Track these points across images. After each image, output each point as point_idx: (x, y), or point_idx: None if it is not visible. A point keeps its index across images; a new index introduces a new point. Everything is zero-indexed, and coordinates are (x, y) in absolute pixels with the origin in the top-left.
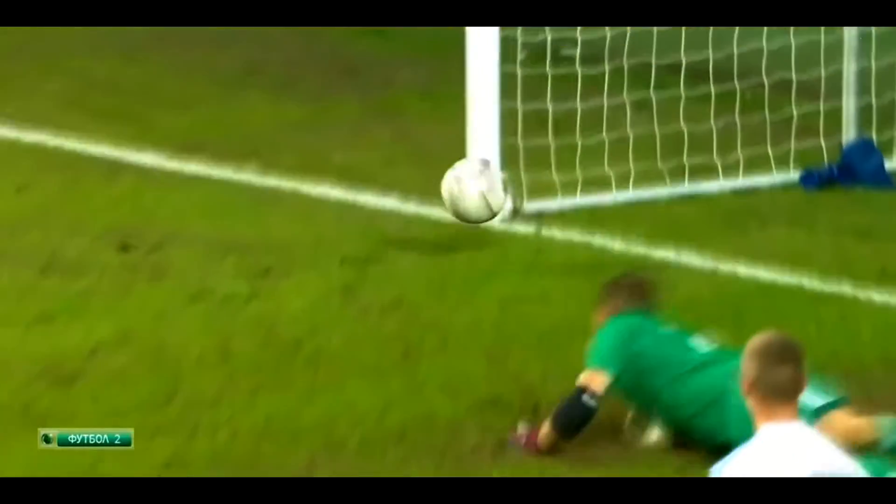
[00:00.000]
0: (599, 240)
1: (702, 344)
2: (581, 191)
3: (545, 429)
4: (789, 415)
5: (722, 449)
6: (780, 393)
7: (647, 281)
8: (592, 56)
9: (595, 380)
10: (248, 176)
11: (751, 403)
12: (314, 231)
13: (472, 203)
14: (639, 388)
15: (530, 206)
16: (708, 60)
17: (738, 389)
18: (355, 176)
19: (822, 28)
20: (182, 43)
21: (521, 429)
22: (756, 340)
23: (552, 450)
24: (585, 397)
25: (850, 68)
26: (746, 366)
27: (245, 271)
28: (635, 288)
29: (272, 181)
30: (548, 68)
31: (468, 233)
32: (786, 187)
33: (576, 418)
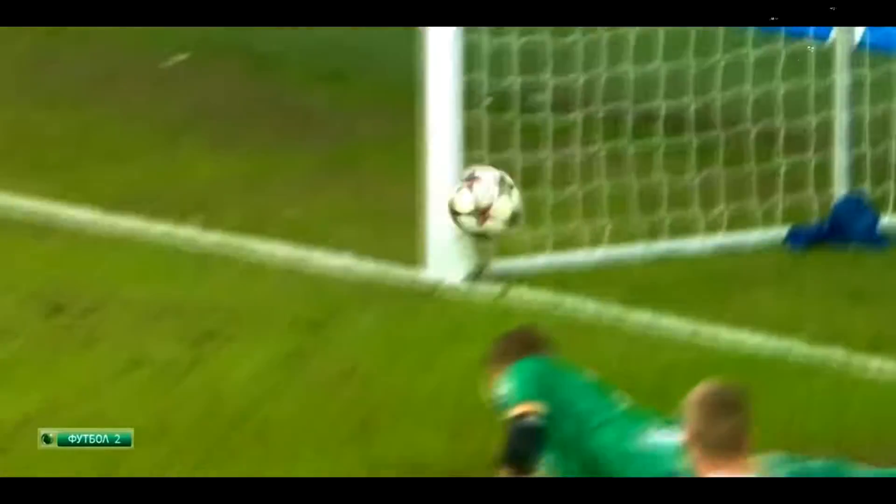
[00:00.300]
0: (570, 302)
1: (618, 399)
2: (550, 249)
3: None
4: (733, 469)
5: None
6: (724, 447)
7: (541, 334)
8: (563, 103)
9: (528, 407)
10: (190, 233)
11: (692, 457)
12: (261, 293)
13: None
14: (550, 436)
15: (495, 265)
16: (688, 108)
17: (643, 453)
18: (306, 233)
19: (812, 73)
20: (119, 88)
21: None
22: (698, 392)
23: None
24: (527, 420)
25: (841, 117)
26: (688, 418)
27: (186, 337)
28: (529, 340)
29: (216, 239)
30: (515, 116)
31: (428, 295)
32: (772, 246)
33: (525, 443)
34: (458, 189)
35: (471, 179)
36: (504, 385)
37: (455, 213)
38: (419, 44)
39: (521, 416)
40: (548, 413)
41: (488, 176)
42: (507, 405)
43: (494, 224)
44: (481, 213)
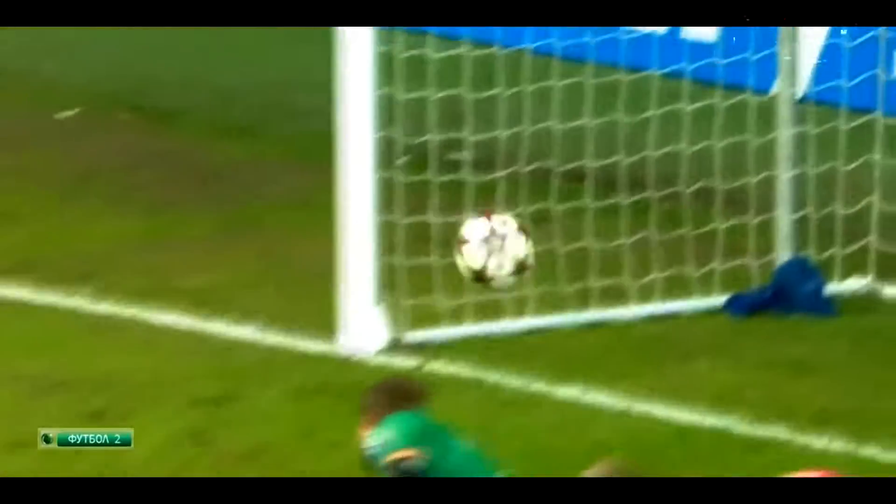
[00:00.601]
0: (493, 375)
1: (494, 465)
2: (473, 318)
3: None
4: None
5: None
6: None
7: (418, 386)
8: (485, 160)
9: (410, 452)
10: (82, 301)
11: None
12: (159, 365)
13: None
14: None
15: (412, 336)
16: (618, 166)
17: None
18: (209, 300)
19: (752, 128)
20: (6, 145)
21: None
22: (591, 471)
23: None
24: (409, 462)
25: (784, 175)
26: None
27: (76, 414)
28: (406, 392)
29: (110, 307)
30: (434, 174)
31: (339, 368)
32: (710, 314)
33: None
34: (483, 238)
35: (501, 240)
36: (381, 433)
37: (460, 251)
38: (331, 97)
39: (403, 458)
40: (427, 463)
41: (514, 249)
42: (386, 451)
43: (483, 284)
44: (484, 279)
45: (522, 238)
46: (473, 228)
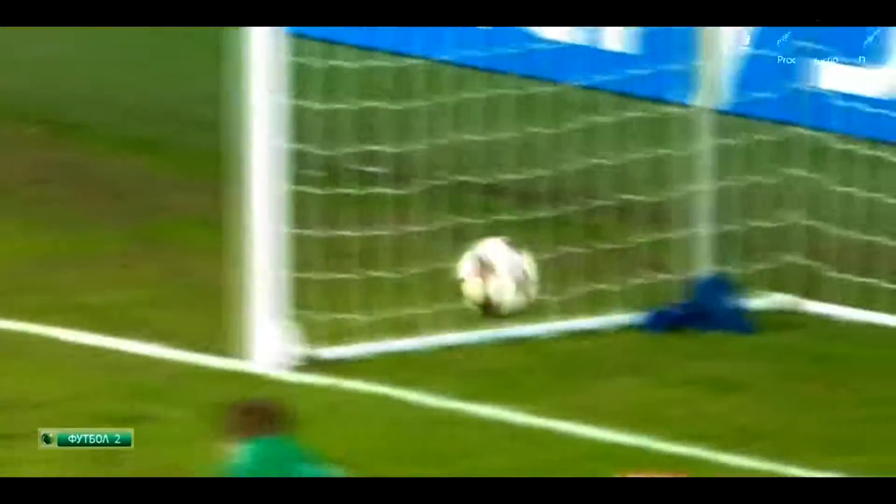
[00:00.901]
0: (407, 393)
1: None
2: (387, 334)
3: None
4: None
5: None
6: None
7: (281, 408)
8: (402, 173)
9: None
10: None
11: None
12: (65, 386)
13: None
14: None
15: (326, 352)
16: (537, 180)
17: None
18: (115, 319)
19: (673, 142)
20: None
21: None
22: None
23: None
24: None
25: (704, 189)
26: None
27: None
28: (269, 415)
29: (13, 325)
30: (349, 188)
31: (249, 386)
32: (629, 330)
33: None
34: (478, 304)
35: (497, 306)
36: (238, 455)
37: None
38: (239, 108)
39: None
40: None
41: (513, 306)
42: (239, 474)
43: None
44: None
45: (521, 292)
46: (469, 288)
